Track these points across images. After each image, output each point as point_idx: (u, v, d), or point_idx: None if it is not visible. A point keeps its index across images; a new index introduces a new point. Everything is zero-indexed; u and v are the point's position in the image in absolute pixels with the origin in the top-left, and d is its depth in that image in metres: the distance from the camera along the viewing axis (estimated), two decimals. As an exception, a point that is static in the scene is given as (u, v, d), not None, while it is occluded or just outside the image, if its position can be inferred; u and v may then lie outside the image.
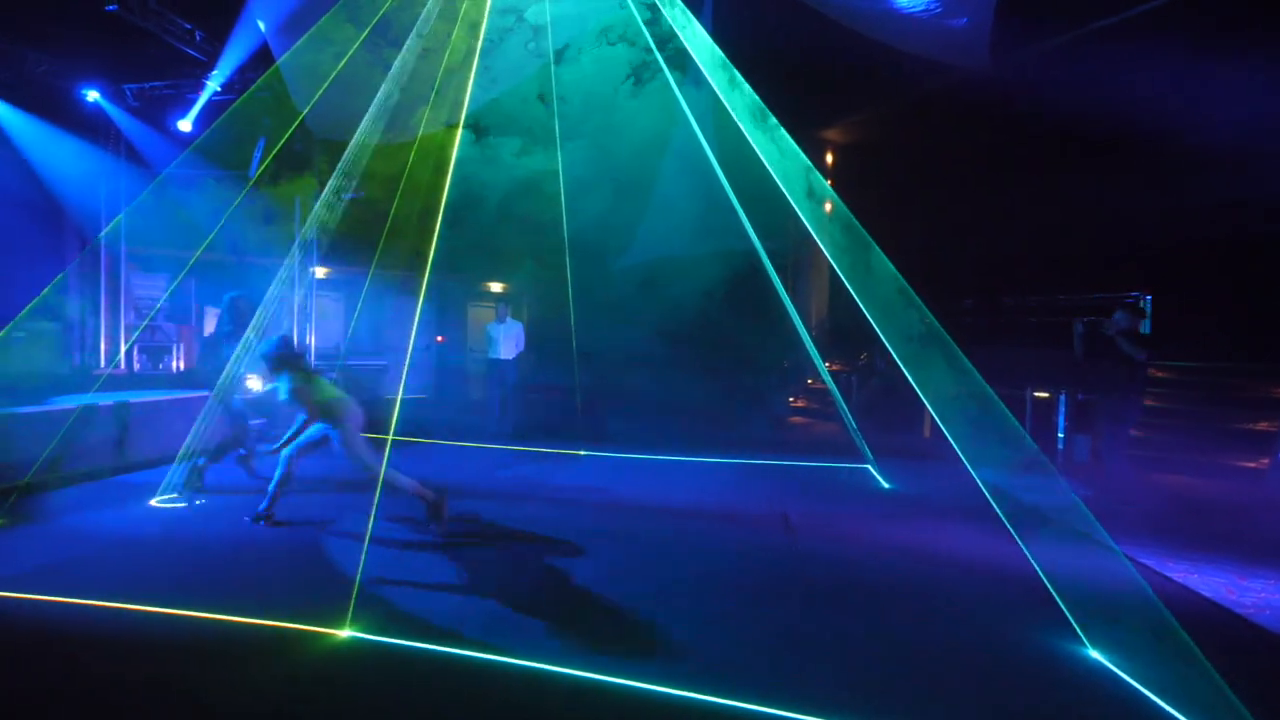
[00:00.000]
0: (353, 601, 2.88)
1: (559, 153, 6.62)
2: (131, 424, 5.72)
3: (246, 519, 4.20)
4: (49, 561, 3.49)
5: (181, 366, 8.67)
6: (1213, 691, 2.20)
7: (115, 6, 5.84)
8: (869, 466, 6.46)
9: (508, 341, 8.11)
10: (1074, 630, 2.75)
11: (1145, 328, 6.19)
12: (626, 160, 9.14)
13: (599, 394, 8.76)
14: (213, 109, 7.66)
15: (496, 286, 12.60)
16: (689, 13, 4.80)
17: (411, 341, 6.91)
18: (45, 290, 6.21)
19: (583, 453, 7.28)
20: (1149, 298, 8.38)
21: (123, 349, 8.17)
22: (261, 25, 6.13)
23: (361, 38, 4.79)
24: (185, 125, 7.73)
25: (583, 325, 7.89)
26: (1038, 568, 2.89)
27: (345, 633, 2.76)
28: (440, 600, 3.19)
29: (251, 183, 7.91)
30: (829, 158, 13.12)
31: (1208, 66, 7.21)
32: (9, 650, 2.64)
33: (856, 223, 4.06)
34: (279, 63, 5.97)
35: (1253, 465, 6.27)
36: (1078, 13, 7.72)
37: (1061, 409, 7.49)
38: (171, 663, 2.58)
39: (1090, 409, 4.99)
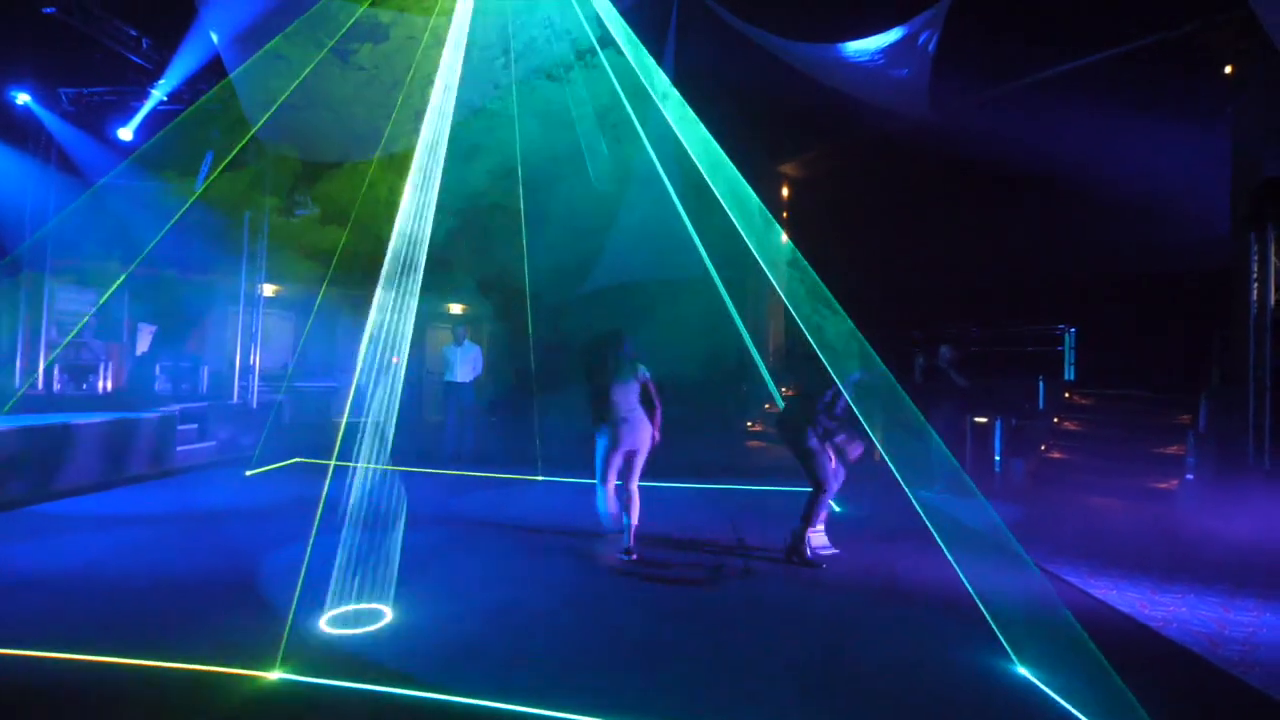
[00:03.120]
0: (284, 640, 2.74)
1: (519, 175, 6.67)
2: (44, 450, 5.35)
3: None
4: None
5: (109, 387, 8.16)
6: (1124, 704, 2.37)
7: (53, 9, 5.60)
8: None
9: (465, 364, 8.01)
10: (1003, 648, 2.90)
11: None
12: (587, 186, 9.26)
13: (557, 419, 8.72)
14: (157, 119, 7.38)
15: (457, 308, 12.45)
16: (642, 50, 4.95)
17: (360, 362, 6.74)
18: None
19: (540, 478, 7.23)
20: (1072, 330, 9.01)
21: (41, 368, 7.64)
22: (214, 36, 5.99)
23: (321, 55, 4.73)
24: (126, 134, 7.41)
25: (541, 351, 7.87)
26: (970, 588, 3.06)
27: (275, 674, 2.60)
28: (384, 638, 3.03)
29: (197, 195, 7.64)
30: (784, 191, 13.64)
31: (1126, 120, 7.98)
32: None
33: (801, 258, 4.24)
34: (232, 75, 5.82)
35: (1164, 486, 6.78)
36: (1009, 69, 8.40)
37: (998, 434, 7.92)
38: (75, 714, 2.39)
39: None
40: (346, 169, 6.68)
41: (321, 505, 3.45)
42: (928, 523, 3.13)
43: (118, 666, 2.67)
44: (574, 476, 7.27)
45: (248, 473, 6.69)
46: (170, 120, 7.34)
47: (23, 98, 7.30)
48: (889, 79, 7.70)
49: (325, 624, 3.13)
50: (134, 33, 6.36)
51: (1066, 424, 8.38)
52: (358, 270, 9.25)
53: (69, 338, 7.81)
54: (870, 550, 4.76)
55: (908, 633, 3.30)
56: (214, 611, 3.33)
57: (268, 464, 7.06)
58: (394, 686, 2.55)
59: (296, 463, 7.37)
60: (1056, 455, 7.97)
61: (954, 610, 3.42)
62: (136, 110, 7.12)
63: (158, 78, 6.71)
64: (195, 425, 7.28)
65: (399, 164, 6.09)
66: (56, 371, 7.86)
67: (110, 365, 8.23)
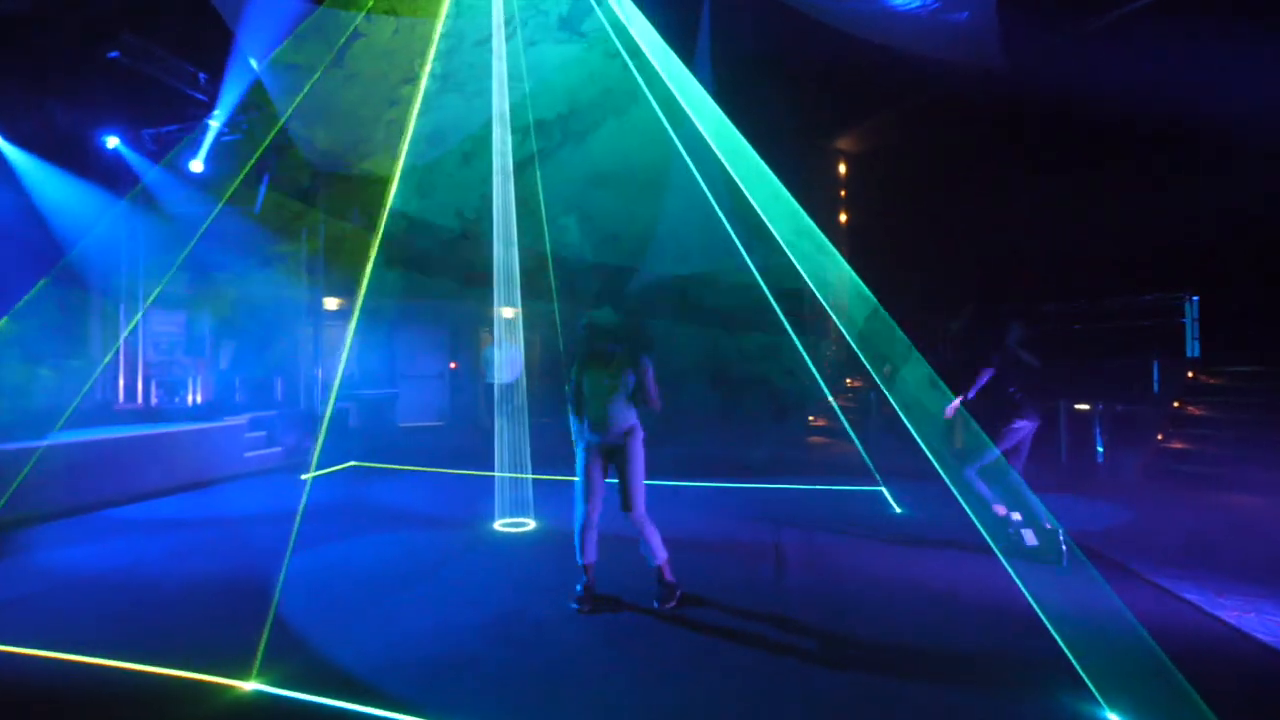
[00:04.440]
0: (261, 649, 2.68)
1: (537, 172, 6.53)
2: (126, 458, 5.81)
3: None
4: (3, 599, 3.46)
5: (198, 399, 8.88)
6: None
7: (116, 54, 6.09)
8: (882, 489, 6.04)
9: (505, 365, 7.99)
10: (1089, 689, 2.33)
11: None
12: (627, 180, 9.03)
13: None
14: (220, 148, 7.93)
15: (509, 311, 12.60)
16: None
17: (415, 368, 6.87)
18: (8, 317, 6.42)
19: (578, 479, 7.06)
20: (1194, 299, 7.68)
21: (139, 384, 8.42)
22: (254, 63, 6.32)
23: (322, 67, 4.81)
24: (196, 166, 8.02)
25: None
26: (1044, 618, 2.48)
27: (250, 685, 2.55)
28: (365, 650, 2.92)
29: (256, 217, 8.15)
30: (841, 168, 12.76)
31: (1259, 45, 6.63)
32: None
33: (832, 247, 3.82)
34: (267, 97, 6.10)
35: (1323, 481, 5.55)
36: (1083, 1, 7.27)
37: (1097, 423, 6.86)
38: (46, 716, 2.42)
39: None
40: (373, 178, 6.84)
41: (301, 514, 3.38)
42: (989, 540, 2.60)
43: (106, 670, 2.72)
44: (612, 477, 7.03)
45: (303, 476, 7.00)
46: (231, 149, 7.87)
47: (112, 141, 8.06)
48: (947, 26, 6.85)
49: (304, 631, 3.06)
50: (190, 69, 6.83)
51: (1190, 408, 7.13)
52: (405, 279, 9.54)
53: (104, 354, 8.53)
54: (927, 562, 4.17)
55: (970, 671, 2.75)
56: (226, 618, 3.35)
57: (325, 468, 7.37)
58: (368, 706, 2.41)
59: (352, 466, 7.65)
60: (1177, 445, 6.79)
61: (1027, 639, 2.83)
62: (202, 142, 7.66)
63: (213, 109, 7.18)
64: (264, 432, 7.74)
65: (411, 172, 6.16)
66: (153, 386, 8.64)
67: (198, 379, 8.95)
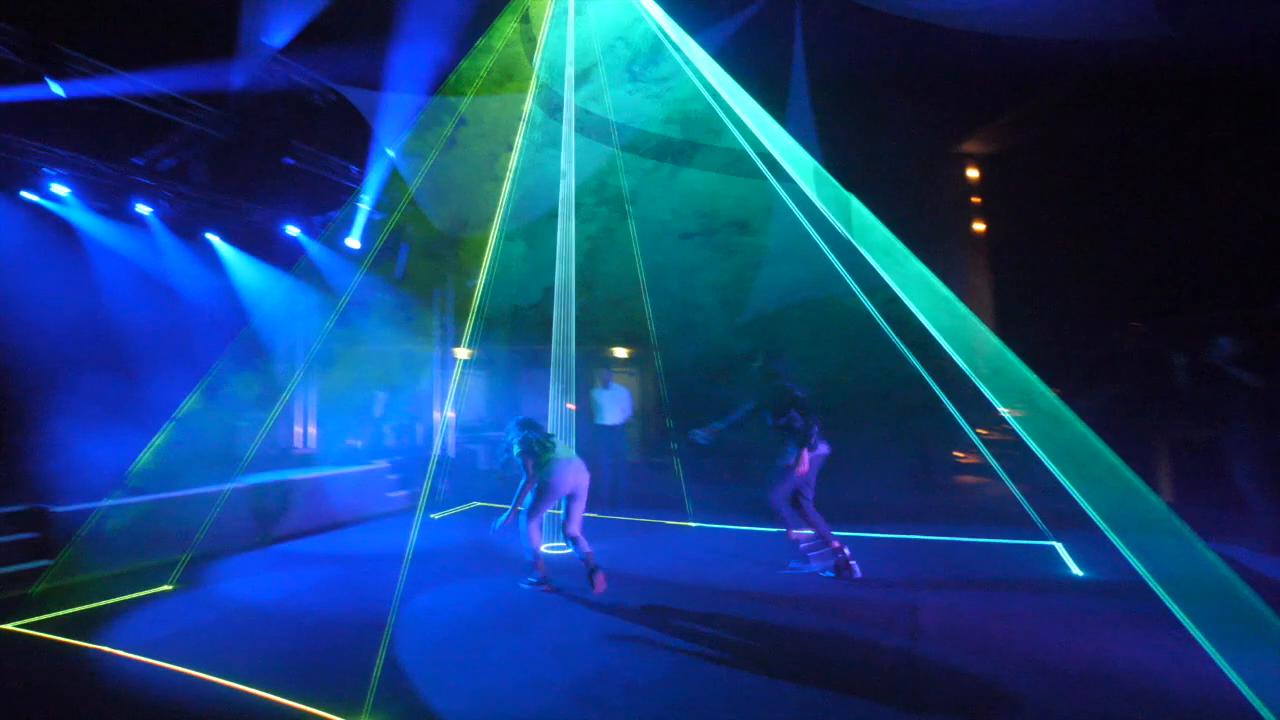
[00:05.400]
0: (371, 691, 2.88)
1: (629, 211, 6.70)
2: (293, 498, 6.73)
3: None
4: (182, 627, 4.10)
5: (357, 444, 10.12)
6: None
7: (291, 160, 7.36)
8: (1055, 544, 5.19)
9: (614, 407, 8.16)
10: None
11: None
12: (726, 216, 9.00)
13: (712, 458, 8.36)
14: (370, 226, 9.18)
15: (622, 352, 12.94)
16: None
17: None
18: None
19: (693, 524, 6.93)
20: None
21: (305, 431, 9.76)
22: (390, 152, 7.30)
23: (436, 150, 5.41)
24: (352, 242, 9.33)
25: (702, 385, 7.65)
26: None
27: (362, 723, 2.74)
28: (460, 701, 3.01)
29: (398, 282, 9.24)
30: (972, 173, 11.66)
31: None
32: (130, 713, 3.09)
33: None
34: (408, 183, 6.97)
35: None
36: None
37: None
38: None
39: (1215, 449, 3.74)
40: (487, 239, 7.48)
41: (413, 556, 3.56)
42: (1180, 614, 2.09)
43: (244, 696, 3.10)
44: (724, 523, 6.82)
45: (433, 515, 7.61)
46: (379, 226, 9.07)
47: (292, 230, 9.66)
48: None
49: (417, 672, 3.25)
50: (342, 162, 8.05)
51: None
52: (520, 329, 10.17)
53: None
54: (1114, 640, 3.46)
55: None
56: (350, 654, 3.63)
57: (450, 508, 7.97)
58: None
59: (475, 506, 8.19)
60: None
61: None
62: (354, 222, 8.92)
63: (361, 193, 8.36)
64: (399, 476, 8.57)
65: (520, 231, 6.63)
66: (316, 433, 9.99)
67: (355, 426, 10.21)
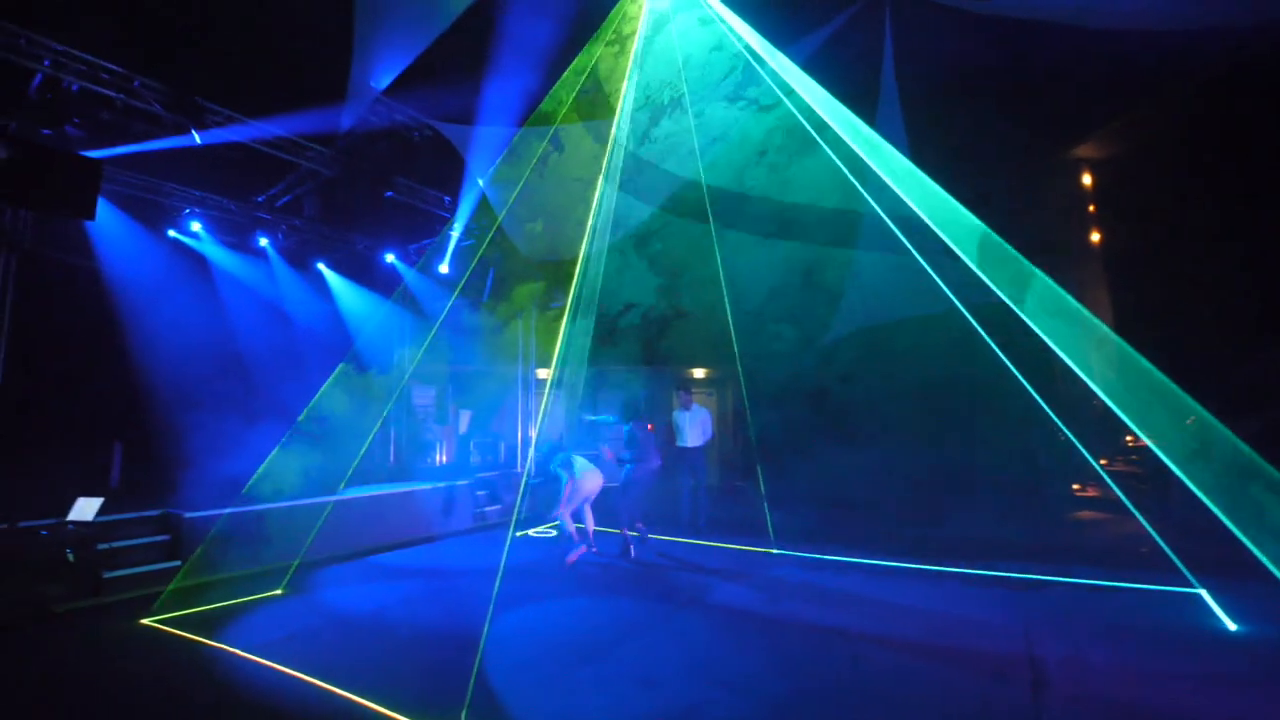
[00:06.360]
0: (465, 707, 2.89)
1: (713, 231, 6.61)
2: (386, 512, 7.04)
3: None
4: (290, 631, 4.32)
5: (443, 460, 10.51)
6: None
7: (391, 193, 7.88)
8: (1200, 591, 4.53)
9: (694, 429, 8.00)
10: None
11: None
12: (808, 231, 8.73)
13: (797, 483, 8.02)
14: (460, 252, 9.62)
15: (700, 372, 12.78)
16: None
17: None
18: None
19: (775, 551, 6.62)
20: None
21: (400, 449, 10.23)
22: (480, 182, 7.65)
23: (523, 179, 5.58)
24: (444, 268, 9.81)
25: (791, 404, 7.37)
26: None
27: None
28: (567, 713, 3.01)
29: (485, 305, 9.60)
30: (1086, 179, 10.74)
31: None
32: (237, 711, 3.27)
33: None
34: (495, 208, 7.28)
35: None
36: None
37: None
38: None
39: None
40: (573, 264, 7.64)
41: (504, 572, 3.59)
42: None
43: (343, 700, 3.19)
44: (809, 551, 6.46)
45: (518, 533, 7.71)
46: (469, 252, 9.50)
47: (389, 258, 10.30)
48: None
49: (510, 684, 3.24)
50: (435, 193, 8.51)
51: None
52: (603, 348, 10.27)
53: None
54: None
55: None
56: (440, 667, 3.71)
57: (534, 526, 8.05)
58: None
59: (559, 523, 8.23)
60: None
61: None
62: (446, 249, 9.39)
63: (453, 222, 8.80)
64: (485, 492, 8.79)
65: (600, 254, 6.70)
66: (406, 450, 10.45)
67: (444, 444, 10.62)
